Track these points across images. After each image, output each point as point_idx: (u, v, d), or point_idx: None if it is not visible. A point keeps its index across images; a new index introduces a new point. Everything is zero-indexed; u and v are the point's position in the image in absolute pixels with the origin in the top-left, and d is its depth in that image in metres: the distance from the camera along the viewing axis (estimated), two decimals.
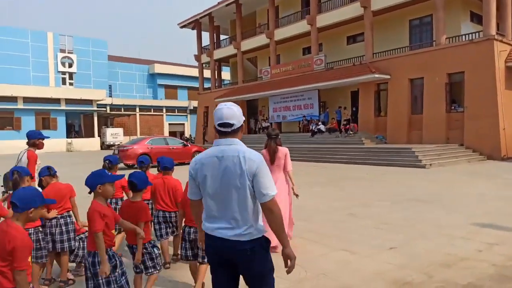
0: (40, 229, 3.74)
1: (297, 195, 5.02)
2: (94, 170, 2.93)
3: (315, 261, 4.38)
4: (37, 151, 4.85)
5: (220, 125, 2.16)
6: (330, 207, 7.44)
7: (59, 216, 3.86)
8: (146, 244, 3.29)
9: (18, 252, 2.06)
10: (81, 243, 3.96)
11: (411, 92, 18.52)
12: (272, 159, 4.73)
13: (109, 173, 2.98)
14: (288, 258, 2.15)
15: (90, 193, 2.85)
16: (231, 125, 2.15)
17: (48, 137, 5.26)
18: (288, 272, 2.19)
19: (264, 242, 2.18)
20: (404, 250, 4.68)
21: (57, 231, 3.83)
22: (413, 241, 5.03)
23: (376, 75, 18.62)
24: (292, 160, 5.04)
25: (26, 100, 33.56)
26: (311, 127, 21.92)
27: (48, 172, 3.99)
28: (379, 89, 19.88)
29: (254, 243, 2.12)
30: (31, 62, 38.75)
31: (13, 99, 32.91)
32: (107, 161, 4.74)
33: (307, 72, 23.14)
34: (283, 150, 4.84)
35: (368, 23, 20.07)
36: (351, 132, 19.84)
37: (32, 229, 3.64)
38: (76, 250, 3.92)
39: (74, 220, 3.96)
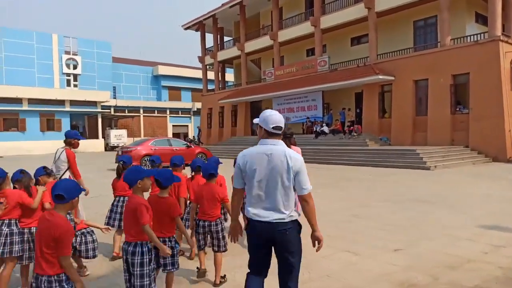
0: None
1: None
2: (131, 167, 3.25)
3: (319, 262, 4.34)
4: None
5: (275, 127, 2.60)
6: (333, 208, 7.39)
7: None
8: (170, 237, 3.36)
9: (63, 239, 2.30)
10: (83, 238, 3.93)
11: (416, 94, 18.42)
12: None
13: (145, 169, 3.20)
14: (317, 239, 2.72)
15: (129, 188, 3.04)
16: (281, 128, 2.61)
17: (84, 138, 5.91)
18: (317, 250, 2.83)
19: (297, 225, 2.67)
20: (409, 251, 4.63)
21: None
22: (418, 242, 4.98)
23: (380, 77, 18.55)
24: None
25: (31, 101, 33.72)
26: (315, 128, 21.87)
27: (44, 171, 4.00)
28: (383, 91, 19.80)
29: (291, 225, 2.61)
30: (36, 63, 39.02)
31: (18, 101, 33.08)
32: (121, 162, 4.86)
33: (311, 74, 23.10)
34: (296, 149, 4.88)
35: (372, 24, 20.01)
36: (355, 134, 19.77)
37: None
38: (78, 246, 3.90)
39: (72, 217, 3.95)
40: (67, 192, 2.40)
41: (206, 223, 3.83)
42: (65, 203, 2.40)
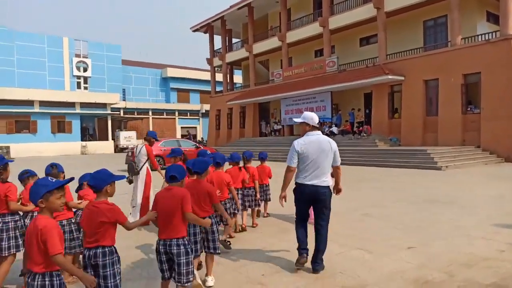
0: (73, 221, 3.88)
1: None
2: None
3: (332, 259, 4.32)
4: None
5: (317, 123, 4.06)
6: (345, 207, 7.35)
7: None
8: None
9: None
10: None
11: (426, 94, 18.27)
12: None
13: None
14: (339, 190, 4.28)
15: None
16: (320, 124, 3.88)
17: (158, 140, 6.55)
18: (337, 194, 4.28)
19: (330, 189, 4.04)
20: (423, 250, 4.58)
21: None
22: (432, 241, 4.93)
23: (390, 77, 18.44)
24: None
25: (42, 103, 34.19)
26: (323, 129, 21.80)
27: (51, 169, 3.99)
28: (392, 91, 19.67)
29: (327, 189, 3.99)
30: (47, 66, 39.55)
31: (29, 103, 33.58)
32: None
33: (320, 74, 23.05)
34: None
35: (382, 24, 19.92)
36: (364, 134, 19.66)
37: (65, 220, 3.80)
38: None
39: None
40: (180, 174, 3.12)
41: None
42: (178, 182, 3.04)
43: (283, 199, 4.08)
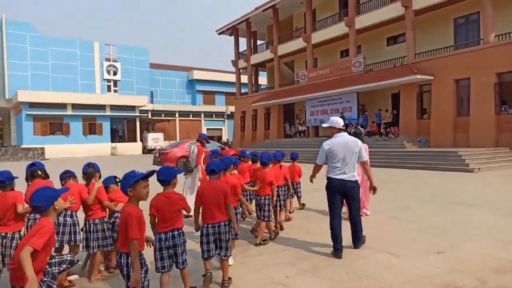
0: (105, 220, 4.03)
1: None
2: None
3: (357, 262, 4.27)
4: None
5: (342, 126, 4.66)
6: (371, 209, 7.21)
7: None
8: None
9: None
10: None
11: (457, 93, 17.65)
12: None
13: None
14: (374, 188, 4.80)
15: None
16: (346, 124, 4.43)
17: (209, 142, 7.50)
18: (374, 194, 4.95)
19: (357, 183, 4.66)
20: (453, 254, 4.43)
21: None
22: (463, 245, 4.76)
23: (419, 76, 17.94)
24: None
25: (75, 106, 35.54)
26: (349, 130, 21.45)
27: (115, 180, 4.20)
28: (421, 91, 19.14)
29: (355, 183, 4.58)
30: (79, 70, 41.08)
31: (62, 106, 34.98)
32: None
33: (345, 75, 22.75)
34: (364, 145, 6.55)
35: (410, 23, 19.43)
36: (392, 136, 19.22)
37: (98, 219, 3.97)
38: None
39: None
40: (218, 168, 3.82)
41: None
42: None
43: (312, 179, 5.02)
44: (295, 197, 7.22)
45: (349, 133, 5.02)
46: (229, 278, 3.74)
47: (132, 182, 2.75)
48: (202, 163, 6.89)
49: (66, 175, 4.08)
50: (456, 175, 12.44)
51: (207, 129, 47.76)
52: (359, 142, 4.62)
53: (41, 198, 2.51)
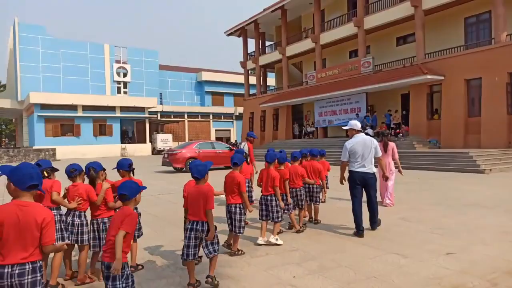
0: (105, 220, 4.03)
1: (401, 172, 8.04)
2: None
3: (365, 263, 4.24)
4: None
5: (360, 127, 5.57)
6: (380, 211, 7.13)
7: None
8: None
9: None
10: None
11: (468, 93, 17.43)
12: (385, 149, 7.59)
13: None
14: (386, 178, 6.03)
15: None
16: (363, 128, 4.84)
17: (256, 137, 8.96)
18: (386, 181, 6.36)
19: (374, 175, 5.50)
20: (463, 256, 4.38)
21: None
22: (473, 247, 4.70)
23: (429, 76, 17.76)
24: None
25: (85, 108, 35.95)
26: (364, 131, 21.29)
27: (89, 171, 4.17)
28: (431, 91, 18.94)
29: (373, 175, 5.46)
30: (89, 72, 41.56)
31: (73, 107, 35.41)
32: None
33: (354, 75, 22.62)
34: (391, 144, 7.87)
35: (419, 22, 19.26)
36: (401, 136, 19.05)
37: (107, 218, 4.01)
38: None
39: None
40: (240, 161, 4.74)
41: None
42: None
43: (343, 181, 5.80)
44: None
45: (366, 133, 5.85)
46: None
47: (139, 191, 3.04)
48: (251, 158, 7.88)
49: (73, 174, 4.08)
50: (467, 176, 12.27)
51: (216, 130, 47.91)
52: (375, 141, 5.58)
53: (129, 189, 2.94)
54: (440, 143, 17.92)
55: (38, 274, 2.24)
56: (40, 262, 2.29)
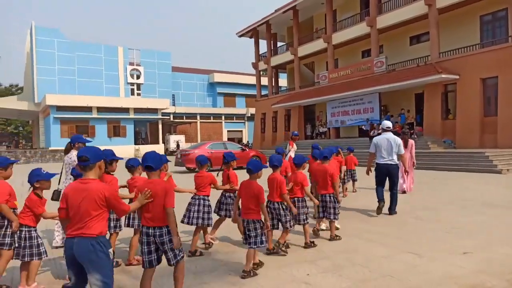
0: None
1: (414, 165, 9.29)
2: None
3: (379, 262, 4.21)
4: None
5: (386, 127, 6.72)
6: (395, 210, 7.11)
7: None
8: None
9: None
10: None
11: (483, 93, 17.11)
12: (405, 145, 8.63)
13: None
14: (407, 172, 8.51)
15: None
16: (389, 128, 6.72)
17: (297, 134, 10.00)
18: (406, 174, 8.69)
19: (397, 166, 6.62)
20: (480, 255, 4.31)
21: None
22: (490, 247, 4.62)
23: (443, 76, 17.50)
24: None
25: (100, 109, 36.49)
26: (372, 133, 21.06)
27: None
28: (446, 90, 18.65)
29: (396, 166, 6.58)
30: (104, 74, 42.17)
31: (88, 109, 35.99)
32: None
33: (367, 75, 22.44)
34: (411, 141, 9.24)
35: (433, 21, 19.00)
36: (415, 137, 18.79)
37: None
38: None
39: None
40: (279, 163, 4.52)
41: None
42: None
43: (369, 172, 6.99)
44: (351, 181, 9.23)
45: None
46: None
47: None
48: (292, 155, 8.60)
49: (133, 168, 4.47)
50: (483, 176, 12.05)
51: (228, 131, 48.06)
52: (398, 138, 6.64)
53: (154, 159, 3.15)
54: (455, 143, 17.64)
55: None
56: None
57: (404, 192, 8.89)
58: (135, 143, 38.58)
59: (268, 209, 4.44)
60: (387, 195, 6.61)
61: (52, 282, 3.89)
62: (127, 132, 37.96)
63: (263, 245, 3.96)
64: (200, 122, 46.60)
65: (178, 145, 37.58)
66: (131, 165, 4.43)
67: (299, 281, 3.74)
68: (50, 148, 33.27)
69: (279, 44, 34.01)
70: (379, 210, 6.45)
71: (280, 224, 4.57)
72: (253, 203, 3.90)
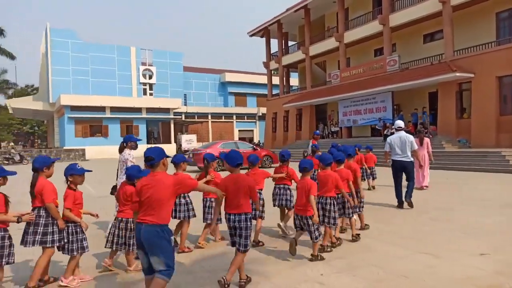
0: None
1: (432, 160, 9.82)
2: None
3: (394, 262, 4.17)
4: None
5: (398, 127, 7.47)
6: (409, 210, 7.04)
7: None
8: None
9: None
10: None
11: (500, 91, 16.77)
12: (421, 143, 9.36)
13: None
14: (421, 167, 8.85)
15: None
16: (401, 127, 7.44)
17: (318, 134, 10.70)
18: (421, 168, 9.02)
19: (412, 162, 7.36)
20: (498, 257, 4.23)
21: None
22: (508, 248, 4.53)
23: (458, 74, 17.22)
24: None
25: (113, 109, 36.93)
26: (386, 132, 20.84)
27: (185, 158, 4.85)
28: (461, 89, 18.34)
29: (410, 162, 7.27)
30: (117, 75, 42.66)
31: (101, 109, 36.46)
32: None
33: (380, 74, 22.21)
34: (426, 139, 9.66)
35: (448, 19, 18.70)
36: (430, 136, 18.53)
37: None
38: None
39: None
40: (310, 165, 4.51)
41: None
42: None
43: (387, 160, 7.81)
44: (371, 178, 9.67)
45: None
46: None
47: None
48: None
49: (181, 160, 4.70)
50: (499, 176, 11.82)
51: (239, 130, 48.14)
52: (410, 136, 7.29)
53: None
54: (470, 143, 17.34)
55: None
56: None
57: (421, 188, 9.34)
58: (148, 143, 38.89)
59: (319, 205, 4.65)
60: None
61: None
62: (140, 131, 38.32)
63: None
64: (212, 121, 46.78)
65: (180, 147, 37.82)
66: (174, 162, 4.72)
67: (313, 280, 3.73)
68: (64, 148, 33.80)
69: (290, 43, 33.92)
70: (399, 207, 7.25)
71: (325, 219, 4.66)
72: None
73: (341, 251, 4.63)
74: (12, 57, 35.44)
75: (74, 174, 3.79)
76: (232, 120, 48.10)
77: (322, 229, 4.52)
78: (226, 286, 3.46)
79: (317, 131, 9.56)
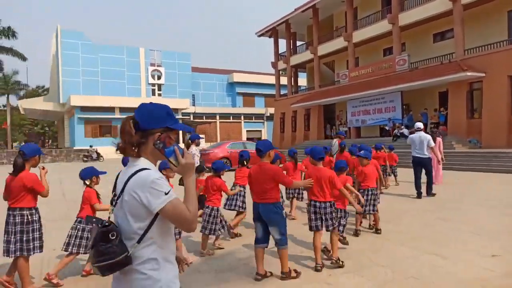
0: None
1: (443, 160, 10.12)
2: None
3: (403, 263, 4.14)
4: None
5: (417, 128, 8.88)
6: (418, 210, 6.98)
7: None
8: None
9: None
10: None
11: (511, 91, 16.53)
12: (434, 142, 9.19)
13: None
14: (439, 161, 9.88)
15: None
16: (420, 128, 8.81)
17: (343, 133, 10.52)
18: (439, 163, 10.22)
19: (429, 158, 8.68)
20: (509, 258, 4.18)
21: None
22: None
23: (469, 73, 17.00)
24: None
25: (122, 110, 37.21)
26: (396, 132, 20.67)
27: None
28: (471, 89, 18.11)
29: (427, 158, 8.61)
30: (126, 75, 43.01)
31: (111, 110, 36.78)
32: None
33: (389, 74, 22.04)
34: (438, 139, 10.16)
35: (458, 17, 18.48)
36: (440, 136, 18.30)
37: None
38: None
39: None
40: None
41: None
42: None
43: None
44: (392, 175, 10.36)
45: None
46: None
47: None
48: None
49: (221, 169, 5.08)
50: (510, 177, 11.64)
51: (247, 130, 48.15)
52: (428, 136, 8.51)
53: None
54: (481, 143, 17.11)
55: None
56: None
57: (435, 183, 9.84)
58: None
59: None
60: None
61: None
62: None
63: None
64: (220, 122, 46.88)
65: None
66: (214, 168, 5.04)
67: (321, 281, 3.72)
68: (74, 148, 34.17)
69: (298, 43, 33.83)
70: (418, 197, 8.29)
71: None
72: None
73: (349, 251, 4.61)
74: (23, 58, 35.92)
75: (96, 176, 4.17)
76: (240, 121, 48.14)
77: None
78: (319, 268, 3.96)
79: (342, 131, 11.43)
